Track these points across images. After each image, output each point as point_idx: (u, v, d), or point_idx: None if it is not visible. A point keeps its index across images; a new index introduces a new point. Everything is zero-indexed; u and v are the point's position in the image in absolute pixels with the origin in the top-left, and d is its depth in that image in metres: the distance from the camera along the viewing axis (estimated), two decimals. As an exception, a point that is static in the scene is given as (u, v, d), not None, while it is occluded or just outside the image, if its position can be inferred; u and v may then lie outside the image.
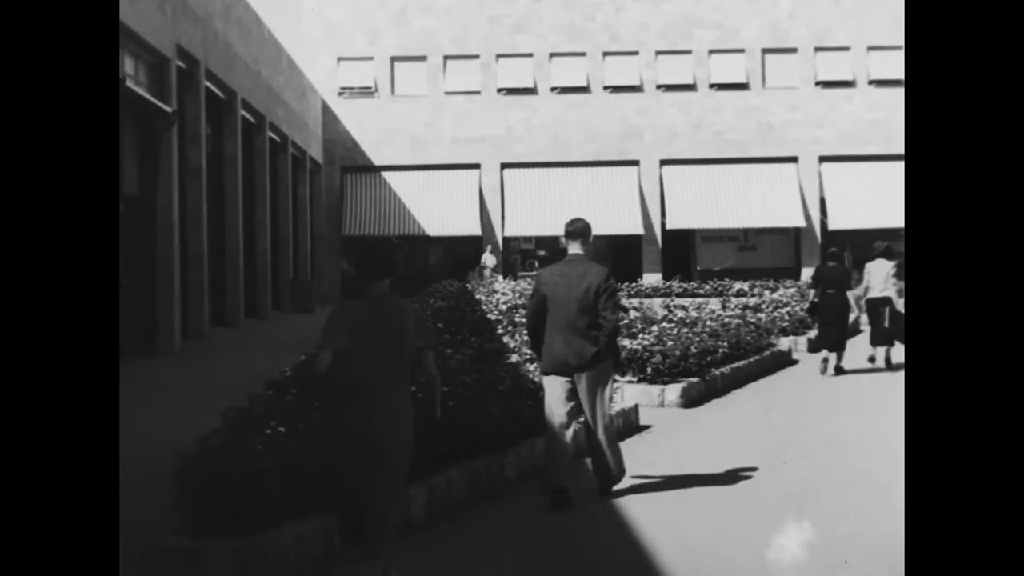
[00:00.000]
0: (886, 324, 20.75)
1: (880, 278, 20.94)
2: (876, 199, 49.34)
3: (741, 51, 51.79)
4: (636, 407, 15.13)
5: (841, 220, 49.89)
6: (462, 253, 51.13)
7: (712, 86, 51.74)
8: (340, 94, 52.15)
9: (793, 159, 51.29)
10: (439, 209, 50.72)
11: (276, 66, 40.59)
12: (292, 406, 10.25)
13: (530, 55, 51.97)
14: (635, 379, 17.21)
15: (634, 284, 43.71)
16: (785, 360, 22.68)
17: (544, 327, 10.68)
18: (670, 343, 17.98)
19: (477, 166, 51.62)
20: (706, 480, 11.63)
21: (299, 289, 42.36)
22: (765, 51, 51.81)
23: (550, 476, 10.50)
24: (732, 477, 11.77)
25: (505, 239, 51.44)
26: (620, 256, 50.86)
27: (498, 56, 52.00)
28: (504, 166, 51.66)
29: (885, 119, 50.33)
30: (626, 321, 20.00)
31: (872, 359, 21.08)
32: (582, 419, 10.73)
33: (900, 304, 20.46)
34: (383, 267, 7.68)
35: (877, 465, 11.93)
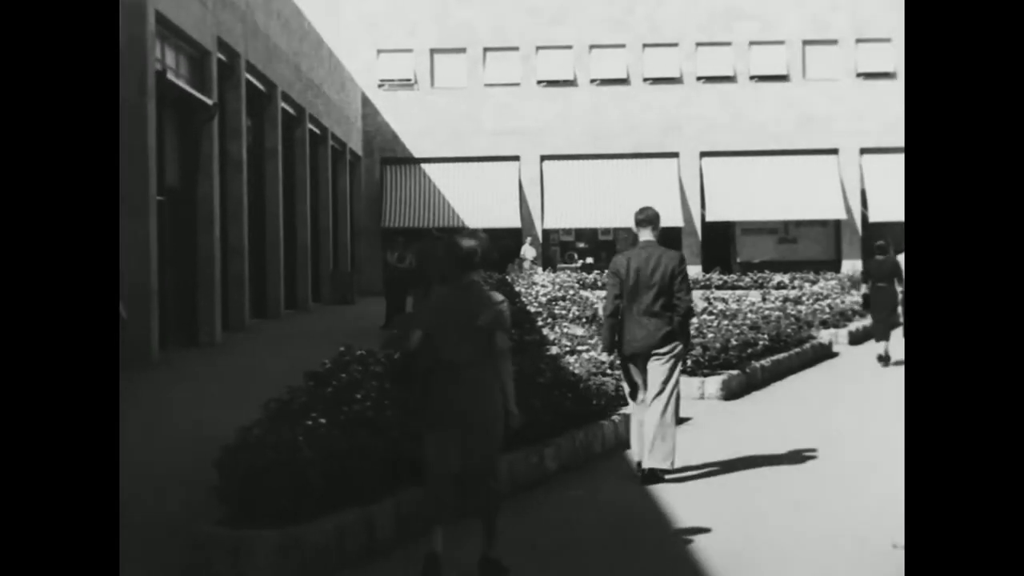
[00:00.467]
0: None
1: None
2: (918, 191, 48.97)
3: (781, 43, 51.57)
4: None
5: (882, 212, 49.59)
6: (502, 245, 51.09)
7: (752, 78, 51.56)
8: (380, 86, 52.23)
9: (834, 151, 51.05)
10: (478, 201, 50.74)
11: (316, 58, 40.67)
12: (333, 397, 10.26)
13: (570, 47, 51.91)
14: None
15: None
16: (826, 353, 22.61)
17: (620, 310, 11.23)
18: (710, 335, 17.94)
19: (516, 158, 51.61)
20: (745, 473, 11.61)
21: (339, 281, 42.45)
22: (806, 43, 51.57)
23: (634, 453, 11.36)
24: (770, 470, 11.74)
25: (544, 231, 51.41)
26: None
27: (538, 48, 51.95)
28: (543, 158, 51.63)
29: (927, 111, 49.93)
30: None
31: None
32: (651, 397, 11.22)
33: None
34: (469, 263, 8.11)
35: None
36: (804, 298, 28.20)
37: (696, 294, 30.07)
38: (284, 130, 35.68)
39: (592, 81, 51.86)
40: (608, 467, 11.97)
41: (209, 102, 25.56)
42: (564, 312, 21.85)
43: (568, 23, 51.77)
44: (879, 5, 51.06)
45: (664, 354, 11.13)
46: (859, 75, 51.17)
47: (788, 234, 52.08)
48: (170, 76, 23.28)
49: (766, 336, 19.86)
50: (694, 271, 47.31)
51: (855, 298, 29.41)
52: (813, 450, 12.73)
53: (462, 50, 52.07)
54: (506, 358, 8.07)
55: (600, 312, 20.74)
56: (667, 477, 11.26)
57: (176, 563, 8.28)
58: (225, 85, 28.50)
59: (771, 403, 16.74)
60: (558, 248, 52.56)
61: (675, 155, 51.35)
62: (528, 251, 46.90)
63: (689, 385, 16.67)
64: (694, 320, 19.25)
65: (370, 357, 11.81)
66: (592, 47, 51.91)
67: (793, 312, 23.52)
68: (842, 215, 50.40)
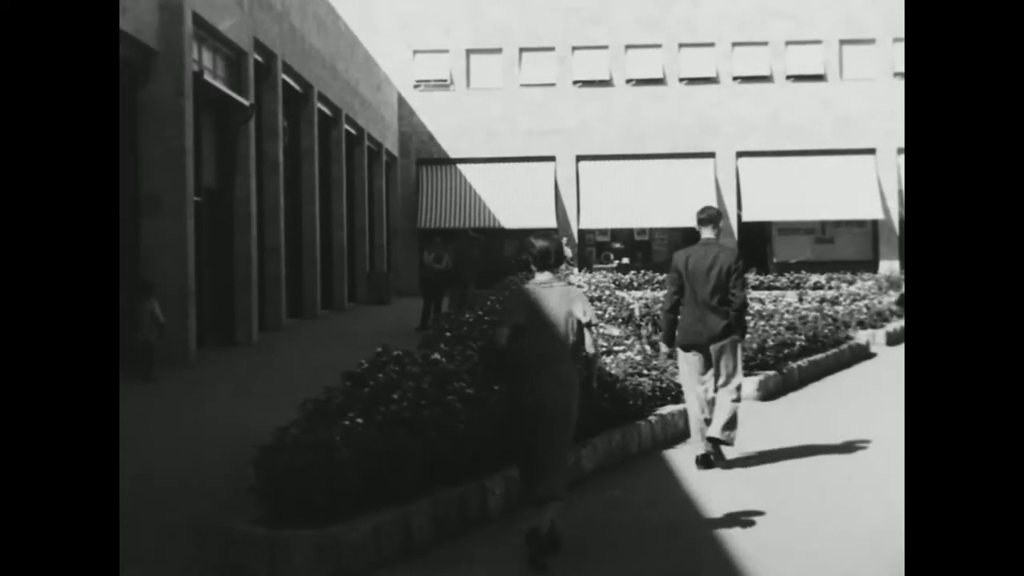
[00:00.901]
0: None
1: None
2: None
3: (818, 42, 51.39)
4: (713, 400, 15.05)
5: (920, 212, 49.26)
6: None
7: (788, 78, 51.39)
8: (416, 87, 52.30)
9: (871, 151, 50.83)
10: (514, 202, 50.74)
11: (352, 59, 40.74)
12: (370, 398, 10.28)
13: (605, 47, 51.86)
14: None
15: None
16: (863, 353, 22.51)
17: (680, 304, 11.97)
18: (747, 336, 17.87)
19: (552, 158, 51.58)
20: (782, 474, 11.57)
21: (375, 281, 42.50)
22: (842, 42, 51.38)
23: (694, 438, 12.02)
24: (807, 471, 11.70)
25: (580, 231, 51.36)
26: (695, 248, 50.66)
27: (573, 48, 51.92)
28: (579, 158, 51.59)
29: (965, 110, 49.70)
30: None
31: None
32: (711, 386, 11.99)
33: None
34: (555, 259, 8.75)
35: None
36: (841, 298, 28.06)
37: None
38: (320, 131, 35.75)
39: (628, 81, 51.80)
40: (645, 467, 11.94)
41: (246, 103, 25.64)
42: (600, 312, 21.79)
43: (604, 23, 51.72)
44: (916, 4, 50.70)
45: (725, 346, 11.80)
46: (896, 74, 50.89)
47: (825, 234, 51.88)
48: (207, 77, 23.36)
49: (803, 337, 19.77)
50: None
51: (892, 299, 29.26)
52: (850, 452, 12.67)
53: (498, 50, 52.08)
54: (596, 349, 8.73)
55: (636, 312, 20.75)
56: (722, 461, 11.79)
57: (213, 562, 8.30)
58: (262, 86, 28.59)
59: (808, 404, 16.67)
60: (594, 248, 52.49)
61: (711, 155, 51.24)
62: (564, 251, 46.84)
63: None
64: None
65: (407, 357, 11.82)
66: (628, 47, 51.84)
67: (830, 313, 23.41)
68: (879, 215, 50.19)
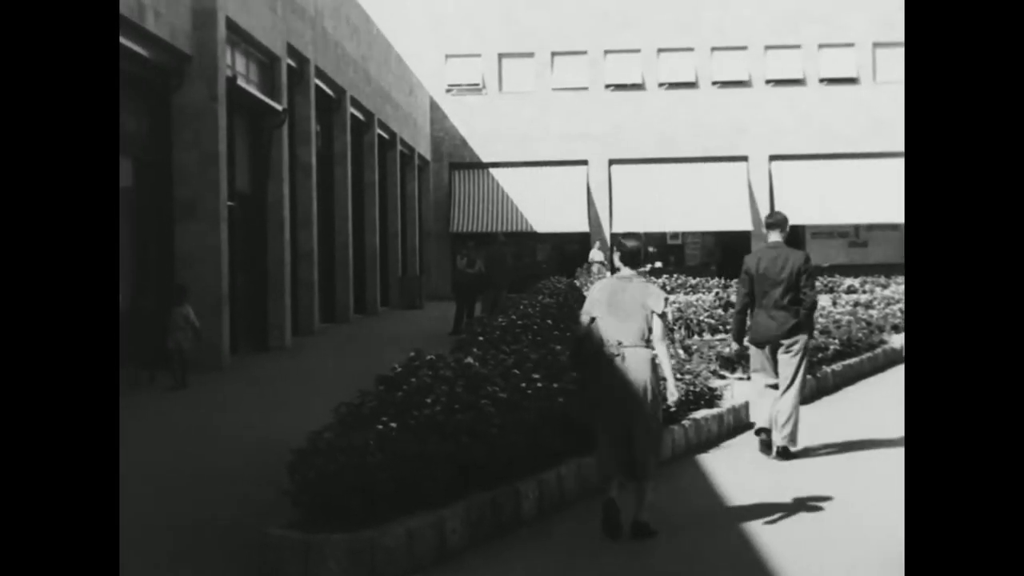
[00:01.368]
0: None
1: None
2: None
3: (851, 45, 51.21)
4: (746, 404, 15.02)
5: (954, 215, 49.06)
6: (570, 249, 51.10)
7: (821, 80, 51.24)
8: (448, 91, 52.36)
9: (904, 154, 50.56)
10: (547, 205, 50.72)
11: (384, 64, 40.81)
12: (403, 402, 10.29)
13: (637, 51, 51.81)
14: (746, 376, 17.06)
15: (743, 280, 43.19)
16: (897, 357, 22.40)
17: (750, 304, 12.65)
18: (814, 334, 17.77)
19: (585, 162, 51.57)
20: (813, 481, 11.52)
21: (407, 285, 42.55)
22: (875, 45, 51.18)
23: (759, 423, 12.70)
24: (839, 477, 11.65)
25: (613, 235, 51.28)
26: (728, 252, 50.56)
27: (605, 52, 51.89)
28: (612, 162, 51.57)
29: (999, 113, 49.47)
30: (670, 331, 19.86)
31: None
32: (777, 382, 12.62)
33: None
34: (632, 258, 9.60)
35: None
36: (875, 302, 27.95)
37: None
38: (353, 135, 35.82)
39: (660, 85, 51.74)
40: (676, 473, 11.89)
41: (279, 108, 25.70)
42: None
43: (636, 27, 51.68)
44: (950, 6, 50.52)
45: (792, 345, 12.38)
46: (930, 77, 50.60)
47: (858, 237, 51.71)
48: (240, 82, 23.43)
49: (837, 341, 19.69)
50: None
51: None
52: (883, 458, 12.61)
53: (530, 54, 52.10)
54: (666, 340, 9.31)
55: (668, 317, 20.67)
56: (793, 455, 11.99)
57: (247, 566, 8.31)
58: (295, 91, 28.67)
59: (842, 408, 16.60)
60: (626, 252, 52.33)
61: (744, 159, 51.14)
62: (596, 255, 46.74)
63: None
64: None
65: (440, 362, 11.83)
66: (660, 51, 51.78)
67: (864, 316, 23.32)
68: (913, 218, 49.89)
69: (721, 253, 51.55)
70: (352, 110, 35.25)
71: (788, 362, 12.45)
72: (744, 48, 51.59)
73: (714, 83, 51.64)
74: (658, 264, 50.84)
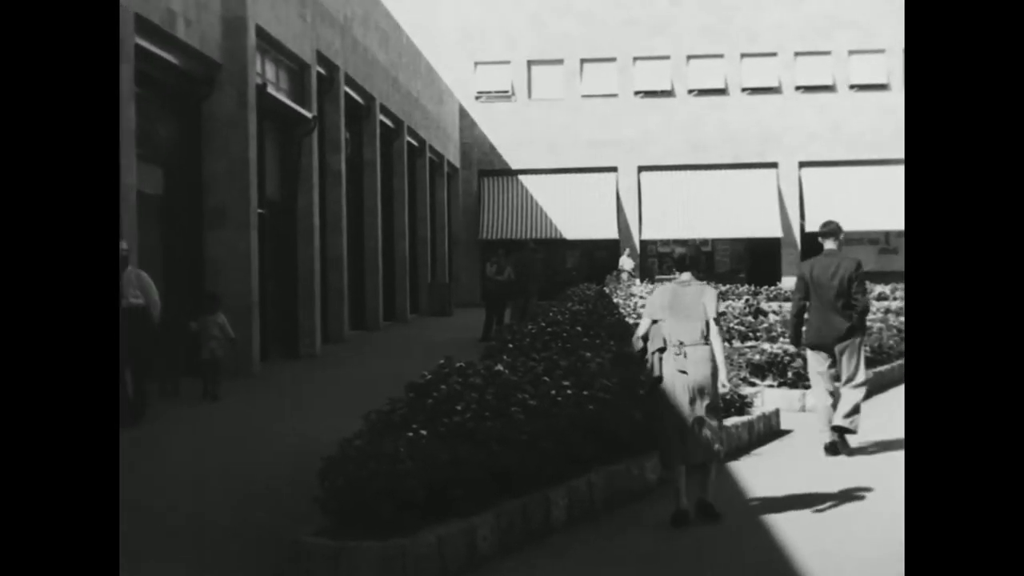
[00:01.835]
0: None
1: None
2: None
3: (881, 51, 51.03)
4: (777, 411, 15.01)
5: (985, 222, 48.85)
6: (599, 256, 51.06)
7: (852, 87, 51.09)
8: (477, 98, 52.42)
9: (935, 160, 50.38)
10: (576, 212, 50.72)
11: (414, 71, 40.87)
12: (433, 409, 10.29)
13: (667, 57, 51.76)
14: (776, 383, 17.04)
15: (773, 287, 43.04)
16: (928, 364, 22.26)
17: (806, 309, 13.50)
18: (867, 335, 17.68)
19: (614, 169, 51.54)
20: (847, 486, 11.47)
21: (437, 292, 42.56)
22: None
23: (820, 428, 13.39)
24: (869, 486, 11.60)
25: (642, 242, 51.27)
26: (758, 259, 50.49)
27: (635, 59, 51.87)
28: (641, 169, 51.52)
29: (1031, 119, 49.24)
30: (765, 324, 19.82)
31: None
32: (835, 383, 13.30)
33: None
34: (687, 263, 10.34)
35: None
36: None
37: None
38: (382, 142, 35.86)
39: (690, 91, 51.68)
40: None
41: (309, 115, 25.76)
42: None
43: (665, 33, 51.64)
44: (981, 12, 50.32)
45: (848, 346, 13.11)
46: (961, 83, 50.43)
47: (889, 244, 51.51)
48: (270, 90, 23.49)
49: (868, 348, 19.60)
50: (793, 282, 46.81)
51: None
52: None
53: (559, 61, 52.12)
54: (720, 337, 10.07)
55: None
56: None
57: (278, 573, 8.32)
58: (324, 98, 28.72)
59: (873, 416, 16.51)
60: (656, 259, 52.38)
61: (774, 165, 51.03)
62: (626, 262, 46.71)
63: (790, 398, 16.54)
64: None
65: (470, 369, 11.83)
66: (689, 57, 51.73)
67: (895, 323, 23.22)
68: (944, 225, 49.72)
69: (751, 260, 51.45)
70: (382, 117, 35.30)
71: (848, 360, 13.16)
72: (774, 54, 51.49)
73: (744, 90, 51.55)
74: (687, 271, 50.66)
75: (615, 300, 26.80)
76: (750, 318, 23.88)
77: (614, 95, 51.89)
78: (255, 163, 21.86)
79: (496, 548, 8.84)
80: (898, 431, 13.72)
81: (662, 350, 10.04)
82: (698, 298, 10.08)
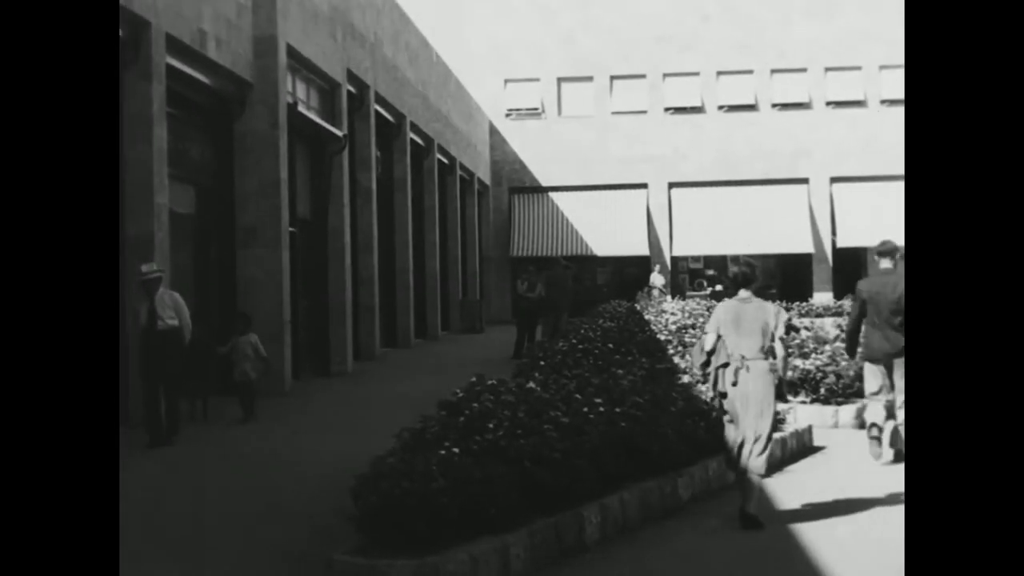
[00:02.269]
0: None
1: None
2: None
3: (913, 66, 50.79)
4: (810, 428, 14.95)
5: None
6: (630, 273, 50.99)
7: (883, 102, 50.92)
8: (507, 115, 52.47)
9: (967, 175, 50.17)
10: (607, 229, 50.67)
11: (444, 89, 40.95)
12: (465, 427, 10.29)
13: (697, 74, 51.71)
14: (808, 400, 16.97)
15: (804, 303, 42.85)
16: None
17: (861, 326, 13.96)
18: (843, 363, 17.67)
19: (644, 186, 51.49)
20: (879, 505, 11.41)
21: (468, 310, 42.59)
22: (937, 65, 50.78)
23: (879, 435, 13.84)
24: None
25: (673, 258, 51.18)
26: (789, 275, 50.35)
27: (665, 75, 51.83)
28: (671, 185, 51.45)
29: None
30: (797, 341, 19.77)
31: None
32: (890, 396, 13.72)
33: None
34: (747, 280, 10.80)
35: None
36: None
37: (827, 321, 29.86)
38: (413, 160, 35.94)
39: (720, 107, 51.62)
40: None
41: (339, 133, 25.83)
42: (694, 340, 21.64)
43: (695, 49, 51.59)
44: (1012, 26, 50.12)
45: (904, 360, 13.16)
46: (993, 97, 50.21)
47: (922, 259, 51.23)
48: (301, 108, 23.58)
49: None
50: (825, 298, 46.71)
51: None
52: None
53: (589, 78, 52.13)
54: (784, 351, 10.66)
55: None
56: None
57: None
58: (355, 116, 28.79)
59: (907, 431, 16.44)
60: (687, 276, 52.31)
61: (804, 181, 50.87)
62: (656, 279, 46.63)
63: (823, 414, 16.48)
64: (827, 347, 19.04)
65: (502, 386, 11.82)
66: (720, 73, 51.66)
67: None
68: (976, 240, 49.49)
69: (782, 276, 51.27)
70: (412, 135, 35.37)
71: (899, 378, 13.49)
72: (804, 70, 51.37)
73: (774, 105, 51.45)
74: (718, 287, 50.63)
75: (646, 317, 26.76)
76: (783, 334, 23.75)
77: (644, 112, 51.86)
78: (286, 182, 21.94)
79: (529, 566, 8.82)
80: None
81: (725, 365, 10.54)
82: (759, 314, 10.61)
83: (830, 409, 16.62)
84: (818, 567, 9.01)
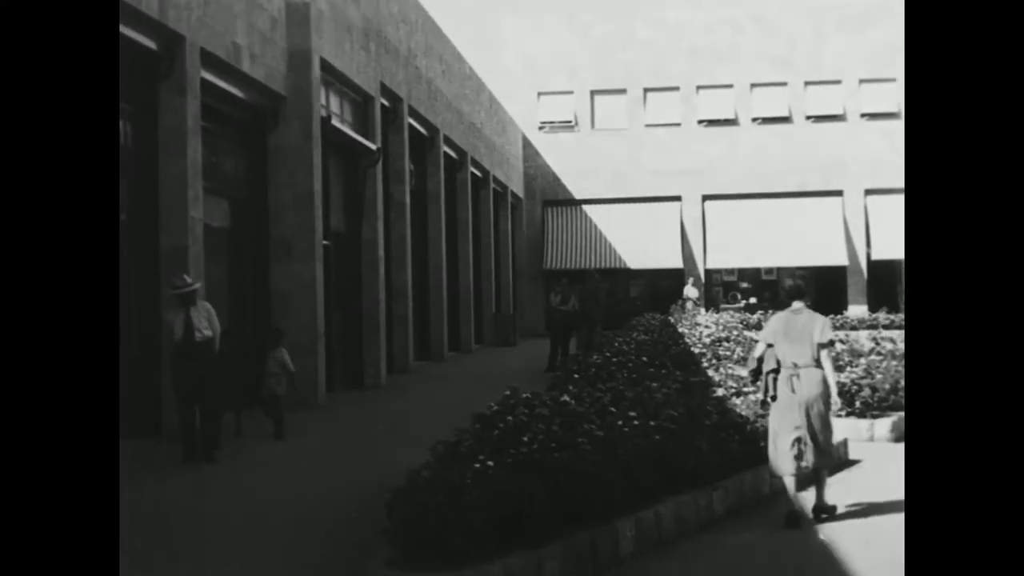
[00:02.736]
0: None
1: None
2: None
3: (947, 78, 50.59)
4: (845, 441, 14.87)
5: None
6: (664, 286, 50.88)
7: (918, 114, 50.66)
8: (540, 128, 52.49)
9: (1003, 187, 49.90)
10: (640, 242, 50.58)
11: (477, 102, 40.98)
12: (499, 440, 10.27)
13: (730, 86, 51.63)
14: (843, 413, 16.89)
15: (839, 316, 42.65)
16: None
17: None
18: (879, 376, 17.60)
19: (678, 198, 51.41)
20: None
21: (501, 323, 42.58)
22: (973, 77, 50.55)
23: None
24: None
25: (707, 271, 51.08)
26: (824, 287, 50.19)
27: (698, 87, 51.76)
28: (705, 198, 51.35)
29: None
30: (833, 354, 19.71)
31: None
32: None
33: None
34: (799, 292, 11.65)
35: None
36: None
37: (863, 334, 29.75)
38: (446, 173, 35.95)
39: (754, 119, 51.51)
40: (778, 511, 11.77)
41: (373, 147, 25.86)
42: (728, 353, 21.60)
43: (729, 62, 51.51)
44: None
45: None
46: (1028, 109, 49.95)
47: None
48: (335, 122, 23.62)
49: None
50: (860, 311, 46.51)
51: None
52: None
53: (622, 91, 52.10)
54: (831, 360, 11.32)
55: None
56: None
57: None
58: (388, 129, 28.83)
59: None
60: (721, 288, 52.18)
61: (839, 193, 50.69)
62: (690, 291, 46.54)
63: (858, 427, 16.41)
64: (862, 360, 18.97)
65: (536, 399, 11.80)
66: (753, 85, 51.57)
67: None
68: (1013, 252, 49.21)
69: (816, 288, 51.12)
70: (445, 148, 35.40)
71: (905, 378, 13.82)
72: (838, 82, 51.23)
73: (808, 117, 51.31)
74: (752, 300, 50.50)
75: (680, 330, 26.71)
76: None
77: (678, 124, 51.80)
78: (320, 195, 21.97)
79: (564, 580, 8.80)
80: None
81: (774, 371, 11.39)
82: (809, 325, 11.32)
83: (865, 423, 16.56)
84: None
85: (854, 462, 14.65)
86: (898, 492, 12.60)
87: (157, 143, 17.21)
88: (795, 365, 11.23)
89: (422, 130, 32.73)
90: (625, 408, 11.99)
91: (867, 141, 50.69)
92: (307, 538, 10.44)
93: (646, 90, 52.04)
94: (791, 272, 13.00)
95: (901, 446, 15.96)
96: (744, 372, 17.62)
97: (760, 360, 11.67)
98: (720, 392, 15.39)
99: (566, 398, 12.18)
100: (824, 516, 11.25)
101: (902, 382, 17.77)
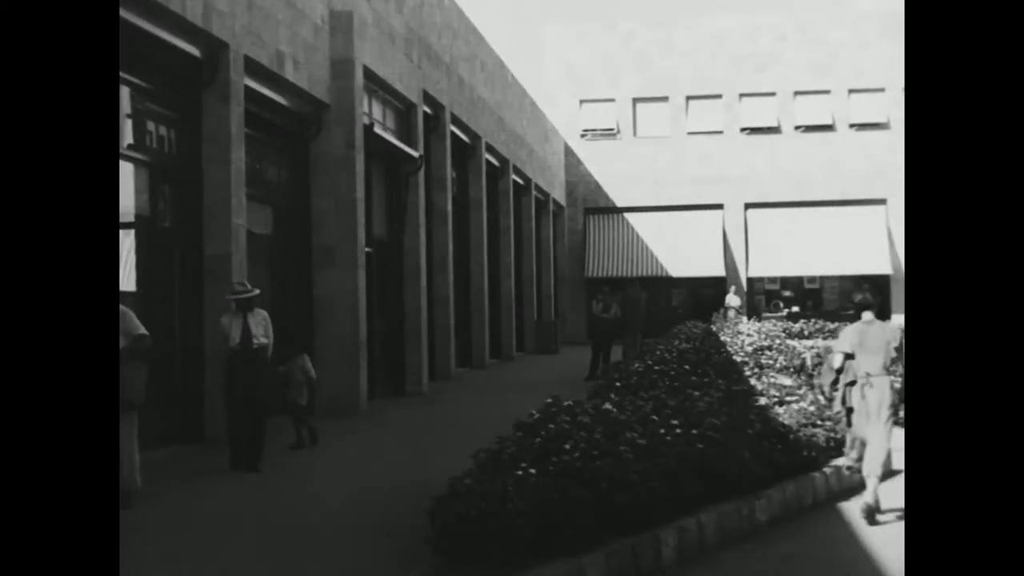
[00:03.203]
0: None
1: None
2: None
3: (992, 85, 50.34)
4: (889, 452, 14.76)
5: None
6: (705, 294, 50.77)
7: (962, 122, 50.42)
8: (582, 136, 52.49)
9: (1048, 195, 49.60)
10: (682, 250, 50.52)
11: (519, 110, 41.00)
12: (541, 448, 10.26)
13: (773, 94, 51.52)
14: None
15: (882, 325, 42.36)
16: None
17: None
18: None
19: (720, 206, 51.31)
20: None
21: (543, 330, 42.56)
22: (1017, 85, 50.27)
23: None
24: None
25: (749, 279, 50.94)
26: (867, 296, 49.89)
27: (741, 95, 51.67)
28: (747, 206, 51.24)
29: None
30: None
31: None
32: None
33: None
34: (868, 305, 12.32)
35: None
36: None
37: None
38: (488, 181, 36.00)
39: (796, 128, 51.36)
40: (821, 521, 11.72)
41: (415, 154, 25.91)
42: (771, 362, 21.48)
43: (772, 70, 51.41)
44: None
45: None
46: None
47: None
48: (378, 129, 23.67)
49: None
50: (900, 320, 46.22)
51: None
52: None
53: (664, 99, 52.06)
54: (900, 366, 11.86)
55: (808, 362, 20.52)
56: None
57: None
58: (430, 137, 28.89)
59: None
60: (763, 297, 52.03)
61: (882, 201, 50.49)
62: (732, 300, 46.38)
63: (898, 437, 16.27)
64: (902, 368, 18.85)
65: (578, 407, 11.78)
66: (796, 93, 51.44)
67: None
68: (1058, 261, 48.90)
69: (859, 297, 50.87)
70: (487, 156, 35.44)
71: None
72: (882, 90, 51.04)
73: (851, 125, 51.14)
74: (795, 308, 50.31)
75: (722, 338, 26.60)
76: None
77: (720, 132, 51.72)
78: (363, 202, 22.02)
79: (605, 588, 8.78)
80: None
81: (853, 383, 12.07)
82: (881, 335, 12.00)
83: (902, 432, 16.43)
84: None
85: (898, 472, 14.55)
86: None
87: (201, 150, 17.29)
88: (868, 375, 11.86)
89: (464, 138, 32.78)
90: (667, 416, 11.96)
91: (911, 149, 50.38)
92: (348, 543, 10.44)
93: (688, 98, 51.99)
94: (859, 285, 13.47)
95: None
96: (787, 381, 17.55)
97: (839, 371, 12.35)
98: (763, 401, 15.32)
99: (608, 406, 12.15)
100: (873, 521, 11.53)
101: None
